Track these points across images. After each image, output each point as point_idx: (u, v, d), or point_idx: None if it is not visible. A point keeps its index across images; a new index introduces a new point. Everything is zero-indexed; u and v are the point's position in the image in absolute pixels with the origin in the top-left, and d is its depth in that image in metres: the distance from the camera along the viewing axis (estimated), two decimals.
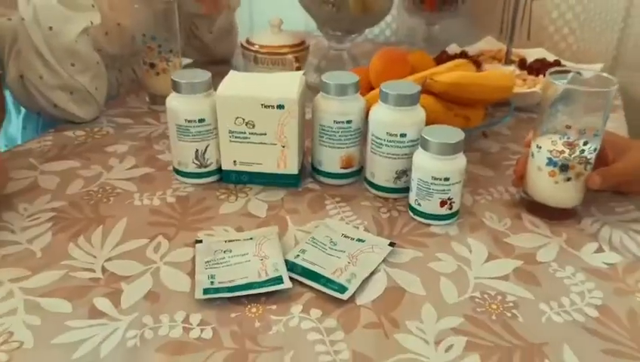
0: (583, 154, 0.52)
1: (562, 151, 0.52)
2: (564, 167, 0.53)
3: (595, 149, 0.53)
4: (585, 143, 0.52)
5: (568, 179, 0.53)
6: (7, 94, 0.76)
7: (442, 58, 0.88)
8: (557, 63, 0.89)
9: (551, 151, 0.53)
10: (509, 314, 0.43)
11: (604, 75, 0.55)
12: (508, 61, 0.89)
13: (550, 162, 0.53)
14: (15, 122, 0.89)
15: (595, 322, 0.42)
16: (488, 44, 0.99)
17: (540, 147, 0.54)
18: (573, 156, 0.52)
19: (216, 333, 0.41)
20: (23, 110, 0.89)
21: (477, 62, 0.89)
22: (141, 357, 0.38)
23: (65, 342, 0.40)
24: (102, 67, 0.75)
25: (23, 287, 0.45)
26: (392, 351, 0.39)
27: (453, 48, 0.95)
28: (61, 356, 0.38)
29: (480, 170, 0.65)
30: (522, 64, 0.90)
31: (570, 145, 0.52)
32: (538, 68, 0.88)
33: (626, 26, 0.98)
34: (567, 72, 0.56)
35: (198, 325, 0.41)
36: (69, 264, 0.48)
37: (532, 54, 0.93)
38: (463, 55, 0.91)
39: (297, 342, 0.40)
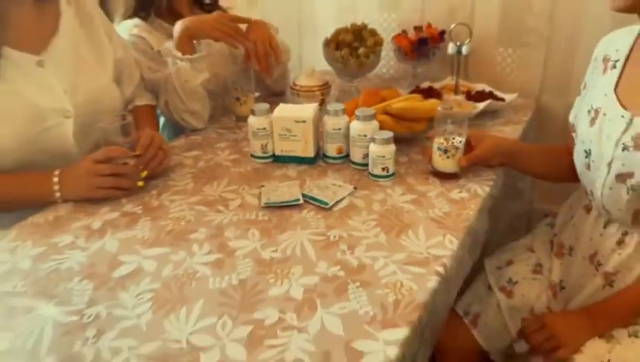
0: (454, 144, 1.01)
1: (443, 143, 1.01)
2: (445, 151, 1.02)
3: (460, 141, 1.02)
4: (453, 138, 1.01)
5: (448, 157, 1.02)
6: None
7: (415, 91, 1.38)
8: (490, 93, 1.37)
9: (438, 142, 1.02)
10: (402, 214, 0.93)
11: (471, 104, 1.03)
12: (458, 92, 1.38)
13: (439, 148, 1.03)
14: None
15: (439, 217, 0.92)
16: (452, 80, 1.48)
17: (435, 141, 1.03)
18: (449, 145, 1.01)
19: (269, 218, 0.93)
20: (160, 124, 1.46)
21: (439, 93, 1.39)
22: (237, 224, 0.92)
23: (204, 227, 0.94)
24: (207, 99, 1.31)
25: (186, 202, 1.00)
26: (344, 226, 0.90)
27: (425, 84, 1.44)
28: (206, 229, 0.93)
29: (416, 155, 1.14)
30: (468, 94, 1.38)
31: (447, 139, 1.01)
32: (477, 96, 1.36)
33: (545, 66, 1.44)
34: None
35: (261, 216, 0.94)
36: (204, 193, 1.02)
37: (477, 87, 1.41)
38: (430, 89, 1.40)
39: (303, 222, 0.92)
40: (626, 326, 0.94)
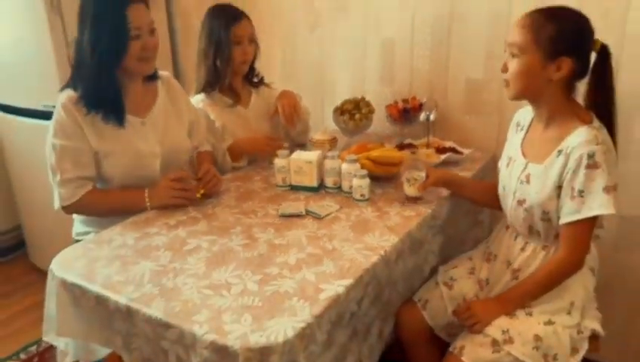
0: (414, 177, 1.47)
1: (408, 176, 1.47)
2: (409, 181, 1.48)
3: (419, 175, 1.47)
4: (414, 173, 1.46)
5: (411, 185, 1.47)
6: None
7: (399, 145, 1.86)
8: (453, 148, 1.83)
9: (405, 176, 1.49)
10: (368, 223, 1.39)
11: (417, 160, 1.50)
12: (429, 147, 1.84)
13: (406, 179, 1.48)
14: None
15: (391, 225, 1.37)
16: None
17: (404, 175, 1.49)
18: (411, 177, 1.47)
19: (282, 222, 1.41)
20: None
21: (416, 147, 1.86)
22: (260, 225, 1.40)
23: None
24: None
25: (230, 211, 1.49)
26: (328, 228, 1.37)
27: (407, 141, 1.92)
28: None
29: (389, 188, 1.60)
30: (437, 148, 1.84)
31: (410, 173, 1.47)
32: (444, 150, 1.82)
33: (499, 129, 1.89)
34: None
35: (277, 221, 1.42)
36: (242, 207, 1.51)
37: (446, 144, 1.87)
38: (410, 144, 1.88)
39: (303, 225, 1.39)
40: (524, 307, 1.35)
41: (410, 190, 1.50)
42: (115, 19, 1.41)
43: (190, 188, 1.52)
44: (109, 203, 1.54)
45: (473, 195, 1.58)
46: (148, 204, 1.51)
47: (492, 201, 1.53)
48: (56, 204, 1.52)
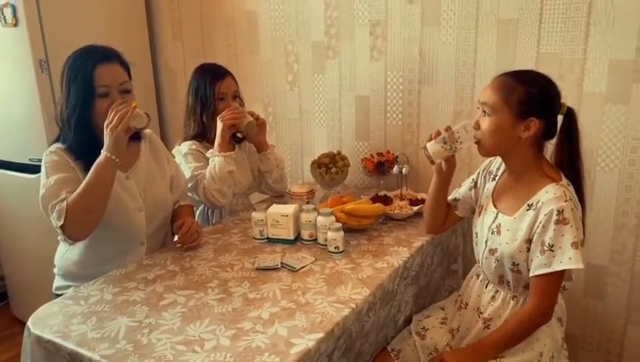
0: (456, 147, 1.35)
1: (452, 141, 1.36)
2: (447, 144, 1.38)
3: (460, 147, 1.40)
4: (460, 140, 1.36)
5: (444, 149, 1.36)
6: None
7: (374, 197, 1.90)
8: (425, 200, 1.86)
9: (449, 135, 1.38)
10: (341, 275, 1.40)
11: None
12: (403, 198, 1.88)
13: (443, 141, 1.36)
14: None
15: (363, 278, 1.38)
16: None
17: (447, 134, 1.41)
18: (453, 144, 1.34)
19: (257, 276, 1.42)
20: (197, 212, 2.00)
21: (391, 199, 1.90)
22: (236, 279, 1.41)
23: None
24: (230, 187, 1.85)
25: (207, 265, 1.50)
26: (303, 281, 1.38)
27: (382, 192, 1.96)
28: None
29: (363, 240, 1.63)
30: (411, 200, 1.88)
31: (457, 139, 1.35)
32: (416, 202, 1.86)
33: None
34: None
35: (252, 274, 1.43)
36: (219, 260, 1.52)
37: (419, 196, 1.91)
38: (385, 196, 1.91)
39: (278, 278, 1.40)
40: (495, 358, 1.35)
41: (438, 151, 1.38)
42: (83, 75, 1.45)
43: (123, 107, 1.41)
44: (84, 190, 1.41)
45: (441, 201, 1.56)
46: (108, 154, 1.41)
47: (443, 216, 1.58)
48: (59, 232, 1.43)
